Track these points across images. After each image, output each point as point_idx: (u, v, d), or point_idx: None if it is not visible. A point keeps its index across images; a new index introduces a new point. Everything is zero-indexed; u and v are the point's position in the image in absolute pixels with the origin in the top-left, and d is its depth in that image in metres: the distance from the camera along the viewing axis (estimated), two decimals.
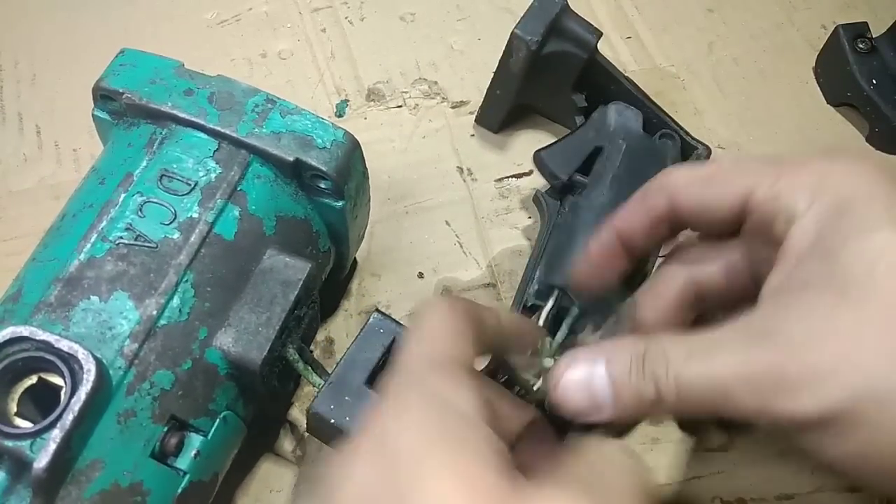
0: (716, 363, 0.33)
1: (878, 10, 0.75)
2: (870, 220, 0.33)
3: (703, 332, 0.35)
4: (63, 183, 0.64)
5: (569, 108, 0.64)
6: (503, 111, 0.66)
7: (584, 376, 0.35)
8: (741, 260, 0.40)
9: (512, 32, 0.59)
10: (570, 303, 0.50)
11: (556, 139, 0.61)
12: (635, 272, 0.46)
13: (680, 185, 0.40)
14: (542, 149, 0.59)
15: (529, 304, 0.54)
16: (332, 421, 0.43)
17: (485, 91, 0.65)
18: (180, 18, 0.74)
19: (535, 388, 0.42)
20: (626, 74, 0.64)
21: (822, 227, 0.34)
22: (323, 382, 0.45)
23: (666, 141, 0.61)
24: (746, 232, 0.39)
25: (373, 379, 0.44)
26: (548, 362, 0.42)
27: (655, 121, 0.62)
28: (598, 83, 0.63)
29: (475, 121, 0.68)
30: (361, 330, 0.46)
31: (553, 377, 0.36)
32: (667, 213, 0.40)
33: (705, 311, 0.42)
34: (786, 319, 0.33)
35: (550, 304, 0.51)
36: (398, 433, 0.30)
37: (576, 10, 0.61)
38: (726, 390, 0.33)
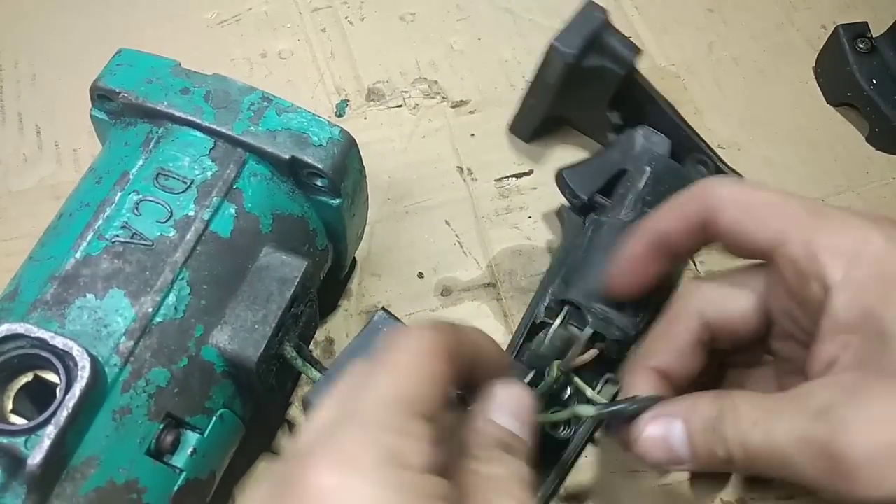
0: (778, 432, 0.34)
1: (878, 10, 0.75)
2: None
3: (770, 397, 0.36)
4: (63, 183, 0.64)
5: (603, 123, 0.63)
6: (536, 121, 0.66)
7: (663, 433, 0.38)
8: (756, 301, 0.41)
9: (550, 44, 0.58)
10: (580, 321, 0.50)
11: (581, 151, 0.60)
12: (662, 288, 0.46)
13: (721, 201, 0.40)
14: (565, 168, 0.58)
15: (538, 321, 0.53)
16: None
17: (485, 91, 0.65)
18: (180, 18, 0.74)
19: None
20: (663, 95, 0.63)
21: (870, 304, 0.34)
22: (321, 376, 0.45)
23: (697, 167, 0.61)
24: (771, 273, 0.39)
25: None
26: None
27: (689, 144, 0.61)
28: (635, 102, 0.62)
29: (508, 129, 0.68)
30: (365, 327, 0.46)
31: (635, 431, 0.39)
32: (704, 220, 0.40)
33: (713, 350, 0.42)
34: (845, 401, 0.33)
35: (558, 322, 0.50)
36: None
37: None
38: (790, 459, 0.34)
